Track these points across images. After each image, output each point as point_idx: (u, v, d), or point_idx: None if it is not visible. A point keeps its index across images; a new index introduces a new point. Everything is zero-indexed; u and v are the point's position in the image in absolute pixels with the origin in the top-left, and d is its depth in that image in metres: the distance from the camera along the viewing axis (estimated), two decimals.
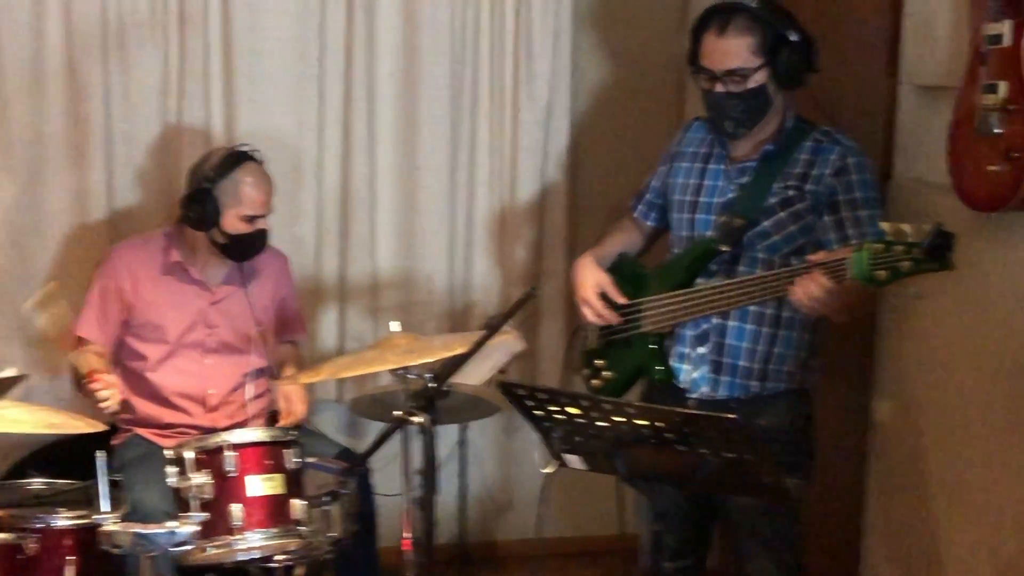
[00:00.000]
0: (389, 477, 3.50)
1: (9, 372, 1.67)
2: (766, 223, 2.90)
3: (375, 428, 3.85)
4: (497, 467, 4.30)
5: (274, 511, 2.91)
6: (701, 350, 2.97)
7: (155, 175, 3.86)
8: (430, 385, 2.76)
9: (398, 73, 3.95)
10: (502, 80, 4.00)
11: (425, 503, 2.77)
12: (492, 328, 2.71)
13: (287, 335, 3.70)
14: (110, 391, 3.22)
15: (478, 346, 2.71)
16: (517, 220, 4.09)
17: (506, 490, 4.33)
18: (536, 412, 2.60)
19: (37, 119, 3.70)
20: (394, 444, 2.92)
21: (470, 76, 4.00)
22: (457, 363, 2.75)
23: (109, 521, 2.82)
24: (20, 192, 3.75)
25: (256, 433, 3.00)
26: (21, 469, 3.55)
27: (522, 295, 2.78)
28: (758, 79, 2.87)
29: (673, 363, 3.02)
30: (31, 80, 3.67)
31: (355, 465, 3.04)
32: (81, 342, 3.45)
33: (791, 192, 2.89)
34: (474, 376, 3.57)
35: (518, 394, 2.61)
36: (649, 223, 3.27)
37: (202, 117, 3.84)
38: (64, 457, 3.53)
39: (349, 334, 4.05)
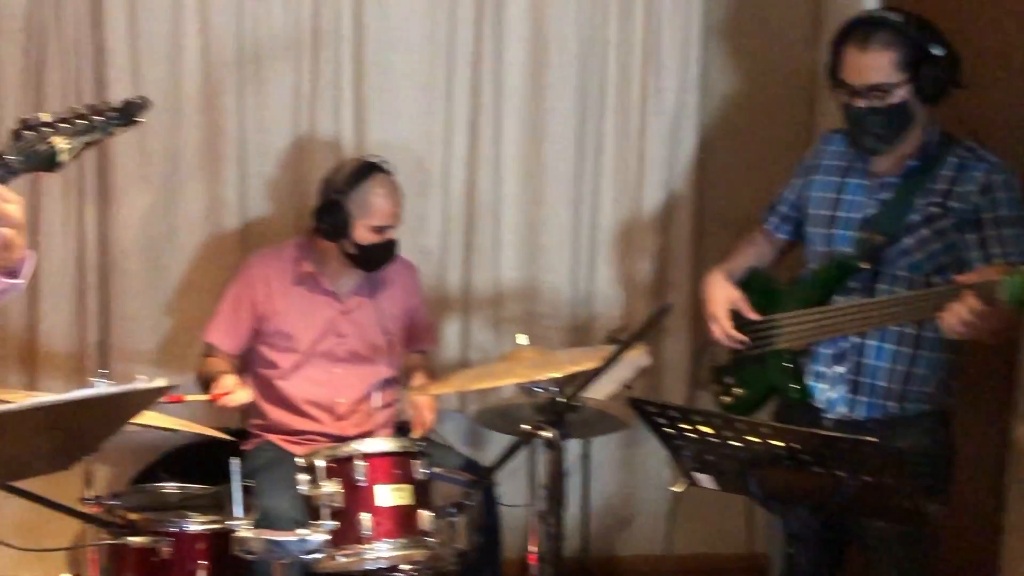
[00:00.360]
0: (512, 489, 3.51)
1: (160, 382, 1.70)
2: (908, 240, 2.82)
3: (497, 439, 3.86)
4: (619, 482, 4.26)
5: (402, 521, 2.93)
6: (839, 369, 2.91)
7: (286, 186, 3.92)
8: (559, 399, 2.75)
9: (524, 84, 3.95)
10: (629, 91, 3.97)
11: (553, 517, 2.76)
12: (625, 344, 2.69)
13: (416, 345, 3.72)
14: (237, 393, 3.28)
15: (610, 361, 2.69)
16: (642, 232, 4.05)
17: (628, 505, 4.29)
18: (667, 430, 2.57)
19: (174, 132, 3.79)
20: (518, 456, 2.92)
21: (597, 87, 3.98)
22: (589, 378, 2.73)
23: (242, 527, 2.86)
24: (156, 202, 3.84)
25: (386, 443, 3.03)
26: (152, 472, 3.63)
27: (657, 310, 2.76)
28: (901, 95, 2.80)
29: (808, 382, 2.96)
30: (169, 94, 3.76)
31: (482, 478, 3.04)
32: (209, 348, 3.52)
33: (934, 209, 2.81)
34: (600, 391, 3.54)
35: (649, 411, 2.58)
36: (781, 236, 3.22)
37: (332, 128, 3.89)
38: (194, 461, 3.61)
39: (472, 345, 4.05)
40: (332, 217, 3.39)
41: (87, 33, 3.72)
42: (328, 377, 3.52)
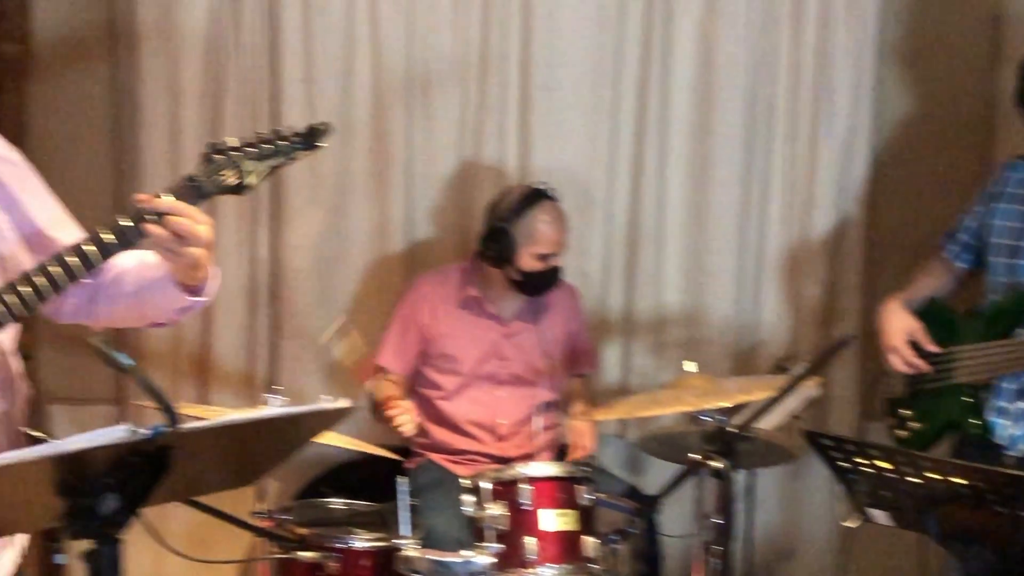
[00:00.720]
0: (672, 518, 3.46)
1: (342, 403, 1.72)
2: None
3: (657, 465, 3.82)
4: (783, 514, 4.16)
5: (567, 547, 2.91)
6: (1022, 405, 2.79)
7: (451, 210, 3.96)
8: (730, 429, 2.70)
9: (691, 107, 3.92)
10: (799, 114, 3.90)
11: (721, 549, 2.71)
12: (802, 374, 2.63)
13: (577, 368, 3.71)
14: (407, 416, 3.31)
15: (785, 392, 2.63)
16: (810, 258, 3.96)
17: (792, 538, 4.18)
18: (841, 464, 2.50)
19: (344, 155, 3.86)
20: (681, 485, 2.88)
21: (765, 110, 3.91)
22: (762, 408, 2.67)
23: (408, 546, 2.88)
24: (326, 224, 3.92)
25: (551, 467, 3.02)
26: (316, 487, 3.70)
27: (837, 341, 2.69)
28: None
29: (989, 417, 2.85)
30: (340, 119, 3.83)
31: (647, 506, 3.01)
32: (380, 371, 3.57)
33: None
34: (768, 421, 3.47)
35: (823, 444, 2.51)
36: (961, 265, 3.11)
37: (497, 153, 3.91)
38: (356, 477, 3.67)
39: (633, 369, 4.02)
40: (497, 244, 3.41)
41: (264, 58, 3.83)
42: (490, 399, 3.53)
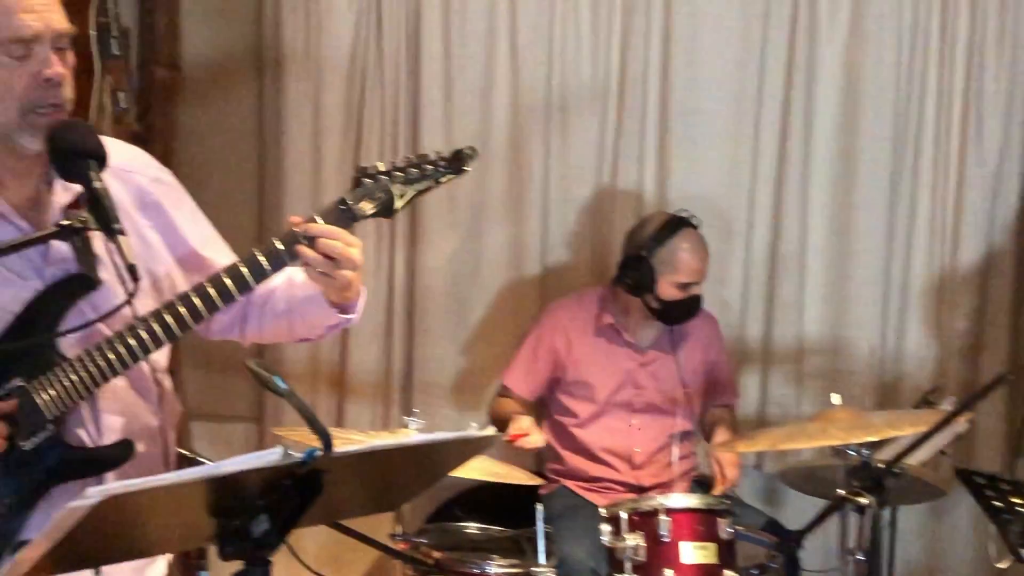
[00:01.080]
0: (812, 553, 3.36)
1: (489, 431, 1.71)
2: None
3: (794, 497, 3.74)
4: (926, 552, 4.03)
5: None
6: None
7: (586, 235, 3.95)
8: (878, 464, 2.62)
9: (835, 134, 3.84)
10: (948, 141, 3.79)
11: None
12: (957, 410, 2.54)
13: (718, 398, 3.65)
14: (532, 436, 3.29)
15: (938, 428, 2.54)
16: (957, 288, 3.84)
17: None
18: (995, 502, 2.41)
19: (481, 179, 3.88)
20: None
21: (912, 137, 3.81)
22: (913, 444, 2.59)
23: (544, 574, 2.86)
24: (461, 245, 3.94)
25: (691, 499, 2.97)
26: (448, 510, 3.70)
27: (995, 378, 2.59)
28: None
29: None
30: (478, 142, 3.83)
31: (789, 541, 2.93)
32: (505, 390, 3.56)
33: None
34: (915, 456, 3.36)
35: (977, 482, 2.42)
36: None
37: (635, 179, 3.89)
38: (489, 501, 3.65)
39: (771, 400, 3.94)
40: (636, 272, 3.37)
41: (404, 83, 3.88)
42: (626, 427, 3.50)
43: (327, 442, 1.53)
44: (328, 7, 3.82)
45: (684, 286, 3.37)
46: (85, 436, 1.97)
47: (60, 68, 1.88)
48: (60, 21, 1.89)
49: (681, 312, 3.42)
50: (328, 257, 1.94)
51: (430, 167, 2.04)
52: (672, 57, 3.83)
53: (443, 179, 2.05)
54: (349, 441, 2.53)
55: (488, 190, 3.89)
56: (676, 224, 3.39)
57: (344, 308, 2.08)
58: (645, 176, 3.88)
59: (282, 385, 1.56)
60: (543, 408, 3.62)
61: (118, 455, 1.98)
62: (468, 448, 1.89)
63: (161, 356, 2.08)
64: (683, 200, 3.71)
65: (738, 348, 3.92)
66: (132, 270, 1.78)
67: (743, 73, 3.83)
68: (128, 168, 2.06)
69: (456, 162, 2.05)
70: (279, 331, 2.17)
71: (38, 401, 1.90)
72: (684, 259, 3.36)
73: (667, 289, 3.37)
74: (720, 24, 3.82)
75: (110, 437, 1.99)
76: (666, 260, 3.36)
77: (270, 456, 1.55)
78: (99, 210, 1.83)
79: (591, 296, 3.59)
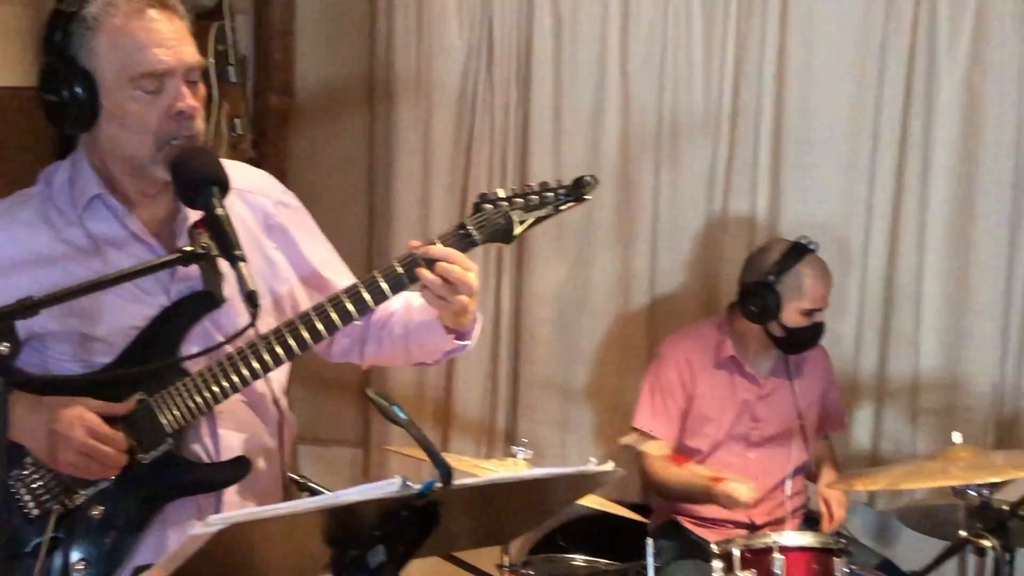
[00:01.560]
0: None
1: (607, 466, 1.68)
2: None
3: (908, 537, 3.63)
4: None
5: None
6: None
7: (697, 264, 3.89)
8: (1004, 507, 2.52)
9: (954, 165, 3.72)
10: None
11: None
12: None
13: (826, 428, 3.57)
14: (744, 485, 3.16)
15: None
16: None
17: None
18: None
19: (590, 206, 3.76)
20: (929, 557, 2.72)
21: None
22: None
23: None
24: (569, 273, 3.91)
25: (807, 537, 2.89)
26: (553, 540, 3.66)
27: None
28: None
29: None
30: (587, 169, 3.79)
31: None
32: (640, 435, 3.47)
33: None
34: None
35: None
36: None
37: (747, 207, 3.82)
38: (595, 532, 3.61)
39: (885, 435, 3.83)
40: (761, 299, 3.30)
41: (515, 108, 3.87)
42: (742, 461, 3.41)
43: (447, 475, 1.51)
44: (440, 35, 3.84)
45: (810, 312, 3.30)
46: (202, 452, 2.00)
47: (192, 101, 1.91)
48: (191, 55, 1.92)
49: (805, 340, 3.35)
50: (447, 282, 1.95)
51: (550, 194, 2.04)
52: (786, 85, 3.76)
53: (563, 207, 2.06)
54: (461, 471, 2.51)
55: (597, 217, 3.86)
56: (800, 250, 3.32)
57: (460, 334, 2.08)
58: (757, 205, 3.82)
59: (402, 415, 1.55)
60: None
61: (235, 473, 2.00)
62: (586, 483, 1.86)
63: (280, 375, 2.10)
64: (796, 229, 3.63)
65: (851, 381, 3.82)
66: (251, 297, 1.79)
67: (859, 102, 3.74)
68: (254, 191, 2.10)
69: (577, 190, 2.05)
70: (396, 355, 2.19)
71: (158, 416, 1.93)
72: (811, 285, 3.29)
73: (793, 316, 3.30)
74: (836, 53, 3.74)
75: (227, 454, 2.01)
76: (792, 286, 3.29)
77: (389, 487, 1.55)
78: (220, 236, 1.84)
79: (708, 327, 3.52)
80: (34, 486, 1.92)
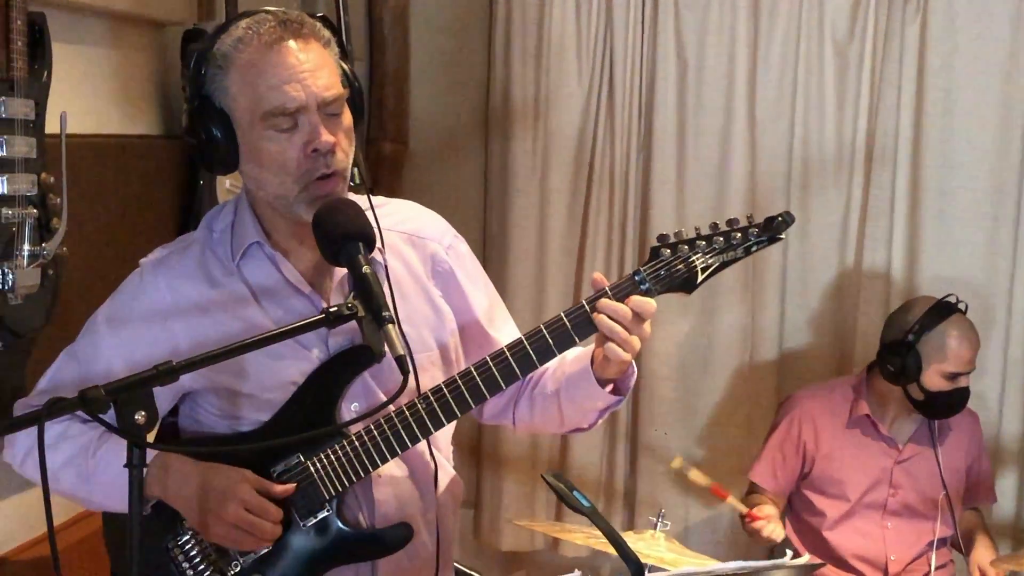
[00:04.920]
0: None
1: (805, 559, 1.50)
2: None
3: None
4: None
5: None
6: None
7: (828, 319, 3.71)
8: None
9: None
10: None
11: None
12: None
13: (973, 500, 3.34)
14: (773, 524, 3.05)
15: None
16: None
17: None
18: None
19: None
20: None
21: None
22: None
23: None
24: (692, 328, 3.75)
25: None
26: None
27: None
28: None
29: None
30: (712, 218, 3.63)
31: None
32: (753, 487, 3.32)
33: None
34: None
35: None
36: None
37: (883, 261, 3.63)
38: None
39: None
40: (900, 359, 3.11)
41: (636, 153, 3.74)
42: (879, 531, 3.21)
43: (638, 571, 1.35)
44: (559, 81, 3.70)
45: (953, 376, 3.09)
46: (360, 517, 1.89)
47: (328, 137, 1.78)
48: (327, 87, 1.79)
49: (947, 405, 3.13)
50: (616, 336, 1.77)
51: (739, 235, 1.82)
52: (924, 132, 3.57)
53: (754, 248, 1.83)
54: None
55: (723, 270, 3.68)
56: (945, 309, 3.11)
57: (615, 388, 1.90)
58: (893, 258, 3.62)
59: (585, 503, 1.40)
60: (787, 505, 3.36)
61: (397, 539, 1.88)
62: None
63: (442, 435, 1.96)
64: (935, 284, 3.45)
65: (994, 446, 3.59)
66: (401, 363, 1.65)
67: (1004, 149, 3.53)
68: (422, 235, 1.98)
69: (770, 229, 1.82)
70: (549, 417, 2.00)
71: (317, 480, 1.84)
72: (954, 347, 3.07)
73: (934, 379, 3.09)
74: (979, 98, 3.54)
75: (383, 520, 1.89)
76: (935, 347, 3.08)
77: None
78: (367, 296, 1.71)
79: (842, 384, 3.33)
80: (191, 553, 1.85)
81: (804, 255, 3.70)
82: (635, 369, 1.91)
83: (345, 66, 1.87)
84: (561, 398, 1.96)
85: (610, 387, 1.89)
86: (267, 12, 1.82)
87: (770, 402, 3.69)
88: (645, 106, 3.71)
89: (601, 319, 1.77)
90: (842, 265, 3.69)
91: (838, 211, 3.67)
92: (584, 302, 1.81)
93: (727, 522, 3.76)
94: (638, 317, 1.78)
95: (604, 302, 1.78)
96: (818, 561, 1.62)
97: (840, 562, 3.22)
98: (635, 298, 1.78)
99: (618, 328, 1.77)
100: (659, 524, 2.65)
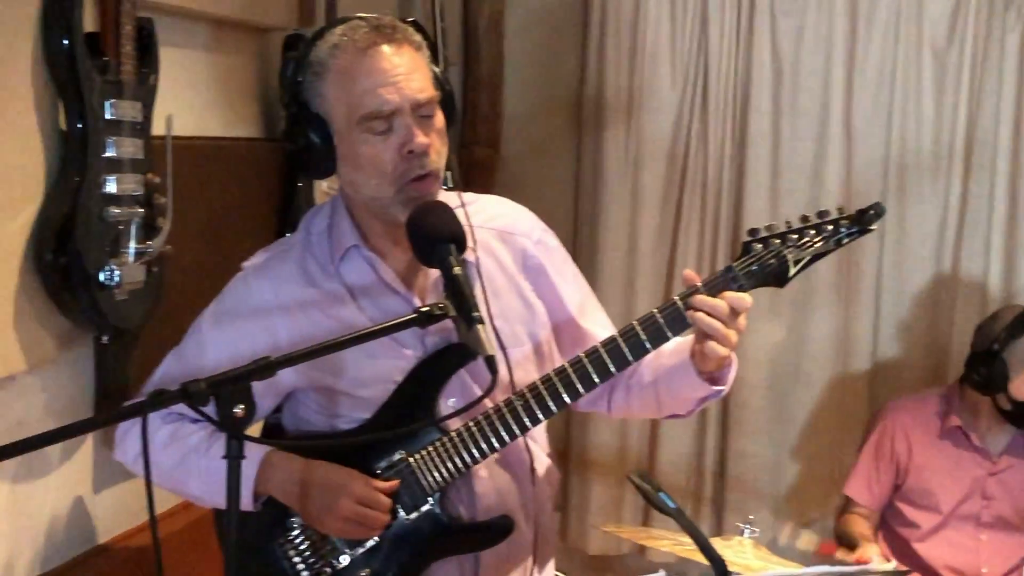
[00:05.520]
0: None
1: (891, 565, 1.50)
2: None
3: None
4: None
5: None
6: None
7: (923, 328, 3.67)
8: None
9: None
10: None
11: None
12: None
13: None
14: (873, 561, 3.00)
15: None
16: None
17: None
18: None
19: None
20: None
21: None
22: None
23: None
24: (783, 337, 3.73)
25: None
26: None
27: None
28: None
29: None
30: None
31: None
32: (849, 502, 3.29)
33: None
34: None
35: None
36: None
37: (980, 268, 3.58)
38: None
39: None
40: (987, 369, 3.07)
41: (729, 157, 3.72)
42: (972, 543, 3.16)
43: (722, 572, 1.36)
44: (652, 86, 3.71)
45: None
46: (462, 510, 1.93)
47: (423, 139, 1.82)
48: (420, 90, 1.83)
49: None
50: (710, 331, 1.77)
51: (830, 227, 1.81)
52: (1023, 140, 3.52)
53: (845, 240, 1.82)
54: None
55: (815, 277, 3.65)
56: None
57: (714, 379, 1.90)
58: (990, 266, 3.57)
59: (670, 504, 1.41)
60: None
61: (499, 530, 1.92)
62: None
63: (538, 427, 1.97)
64: None
65: None
66: (490, 363, 1.67)
67: None
68: (512, 231, 2.00)
69: (860, 221, 1.81)
70: (646, 405, 2.01)
71: (420, 477, 1.88)
72: None
73: (1022, 389, 3.04)
74: None
75: (484, 513, 1.93)
76: (1022, 356, 3.03)
77: None
78: (458, 297, 1.74)
79: (934, 395, 3.29)
80: (302, 547, 1.92)
81: (899, 263, 3.66)
82: (735, 360, 1.90)
83: (436, 69, 1.91)
84: (659, 388, 1.97)
85: (708, 378, 1.89)
86: (361, 18, 1.86)
87: (862, 412, 3.65)
88: (739, 109, 3.70)
89: (698, 316, 1.77)
90: (938, 274, 3.64)
91: (935, 219, 3.62)
92: (676, 298, 1.81)
93: (817, 532, 3.73)
94: (734, 312, 1.78)
95: (700, 298, 1.78)
96: (904, 568, 1.60)
97: (932, 574, 3.18)
98: (729, 294, 1.78)
99: (716, 324, 1.77)
100: (747, 531, 2.64)
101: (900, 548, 3.23)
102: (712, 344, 1.78)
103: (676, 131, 3.73)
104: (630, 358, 1.84)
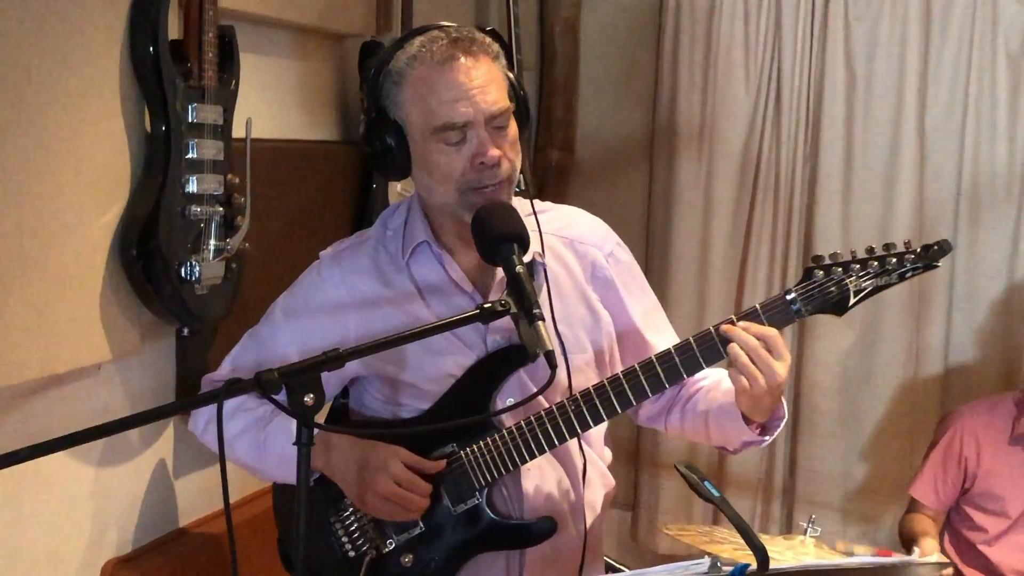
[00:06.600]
0: None
1: (935, 558, 1.53)
2: None
3: None
4: None
5: None
6: None
7: (996, 334, 3.65)
8: None
9: None
10: None
11: None
12: None
13: None
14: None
15: None
16: None
17: None
18: None
19: None
20: None
21: None
22: None
23: None
24: (856, 341, 3.73)
25: None
26: None
27: None
28: None
29: None
30: (879, 231, 3.63)
31: None
32: (914, 503, 3.29)
33: None
34: None
35: None
36: None
37: None
38: None
39: None
40: None
41: (802, 166, 3.74)
42: None
43: (763, 560, 1.41)
44: (726, 91, 3.74)
45: None
46: (509, 507, 2.00)
47: (494, 152, 1.88)
48: (494, 102, 1.88)
49: None
50: (751, 365, 1.81)
51: (894, 260, 1.83)
52: None
53: (908, 275, 1.84)
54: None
55: None
56: None
57: (763, 427, 1.94)
58: None
59: (714, 492, 1.46)
60: (945, 519, 3.32)
61: (541, 531, 1.98)
62: (908, 574, 1.71)
63: (595, 432, 2.04)
64: None
65: None
66: (549, 358, 1.73)
67: None
68: (584, 240, 2.06)
69: (925, 257, 1.83)
70: (697, 432, 2.07)
71: (469, 471, 1.95)
72: None
73: None
74: None
75: (531, 512, 1.99)
76: None
77: (698, 567, 1.46)
78: (520, 294, 1.80)
79: (1006, 400, 3.27)
80: (351, 528, 2.00)
81: (972, 269, 3.65)
82: (785, 414, 1.93)
83: (512, 76, 1.97)
84: (709, 420, 2.02)
85: (757, 427, 1.94)
86: (440, 29, 1.92)
87: (933, 417, 3.63)
88: (812, 117, 3.71)
89: (732, 347, 1.82)
90: (1011, 279, 3.62)
91: (1008, 225, 3.60)
92: (711, 328, 1.87)
93: (885, 536, 3.73)
94: (763, 344, 1.81)
95: (728, 327, 1.84)
96: (945, 560, 1.61)
97: None
98: (754, 326, 1.83)
99: (742, 357, 1.81)
100: (809, 529, 2.66)
101: (968, 551, 3.22)
102: (738, 376, 1.82)
103: (749, 138, 3.75)
104: (684, 374, 1.89)
